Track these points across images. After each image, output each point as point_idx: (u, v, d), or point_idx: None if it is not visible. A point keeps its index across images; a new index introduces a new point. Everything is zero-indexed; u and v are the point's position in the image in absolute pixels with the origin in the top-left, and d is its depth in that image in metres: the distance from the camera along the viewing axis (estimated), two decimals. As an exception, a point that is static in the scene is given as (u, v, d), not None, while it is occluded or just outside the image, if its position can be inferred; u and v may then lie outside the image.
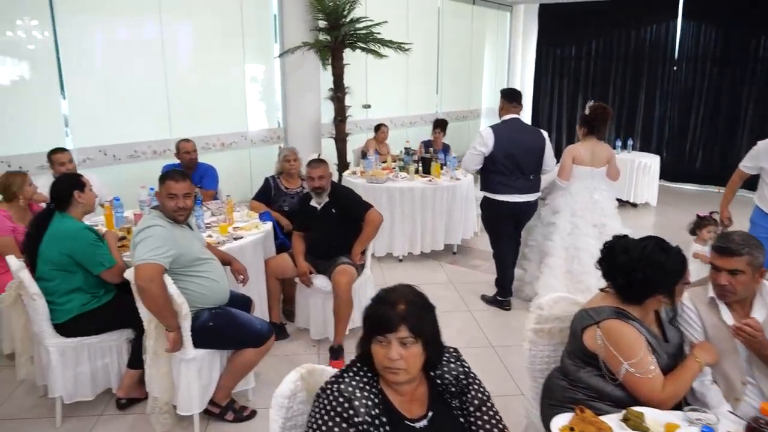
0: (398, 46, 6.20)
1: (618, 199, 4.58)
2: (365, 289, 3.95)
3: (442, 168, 5.79)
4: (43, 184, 3.98)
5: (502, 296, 4.54)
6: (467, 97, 10.85)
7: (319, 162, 3.81)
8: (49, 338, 2.86)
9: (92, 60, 5.34)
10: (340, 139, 6.62)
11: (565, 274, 4.18)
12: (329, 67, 6.86)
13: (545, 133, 4.31)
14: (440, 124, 6.89)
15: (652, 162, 7.77)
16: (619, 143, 8.02)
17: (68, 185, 2.98)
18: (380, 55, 6.58)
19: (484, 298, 4.68)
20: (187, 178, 2.88)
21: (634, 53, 9.95)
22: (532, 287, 4.44)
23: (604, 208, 4.23)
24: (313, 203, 3.88)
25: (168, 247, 2.66)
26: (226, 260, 3.22)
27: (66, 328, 2.88)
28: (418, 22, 8.88)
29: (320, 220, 3.84)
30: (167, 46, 5.79)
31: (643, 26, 9.79)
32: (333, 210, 3.82)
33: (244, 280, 3.25)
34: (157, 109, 5.82)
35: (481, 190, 4.37)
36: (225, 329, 2.86)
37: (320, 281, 3.78)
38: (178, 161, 4.77)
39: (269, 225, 3.94)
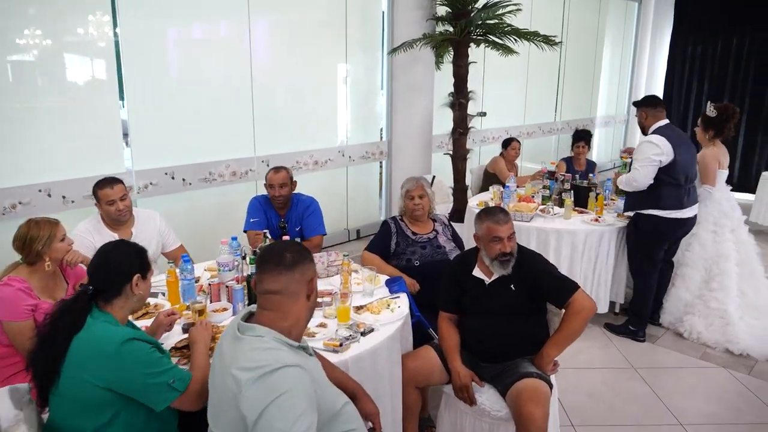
0: (545, 39, 4.75)
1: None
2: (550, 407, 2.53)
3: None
4: (85, 230, 2.82)
5: (636, 325, 3.97)
6: (587, 103, 9.23)
7: (502, 213, 2.43)
8: None
9: (160, 60, 4.16)
10: (460, 157, 5.23)
11: (699, 284, 4.01)
12: (442, 67, 5.56)
13: None
14: (584, 136, 5.36)
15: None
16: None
17: (130, 265, 1.77)
18: (512, 52, 5.18)
19: (609, 327, 4.11)
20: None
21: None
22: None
23: (735, 211, 4.07)
24: (477, 273, 2.51)
25: (311, 408, 1.39)
26: (349, 391, 1.86)
27: None
28: (541, 16, 7.37)
29: (489, 301, 2.46)
30: (254, 44, 4.57)
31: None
32: (512, 286, 2.44)
33: (376, 430, 1.88)
34: (238, 120, 4.60)
35: (644, 208, 3.75)
36: None
37: (488, 399, 2.39)
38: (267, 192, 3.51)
39: (405, 302, 2.58)
